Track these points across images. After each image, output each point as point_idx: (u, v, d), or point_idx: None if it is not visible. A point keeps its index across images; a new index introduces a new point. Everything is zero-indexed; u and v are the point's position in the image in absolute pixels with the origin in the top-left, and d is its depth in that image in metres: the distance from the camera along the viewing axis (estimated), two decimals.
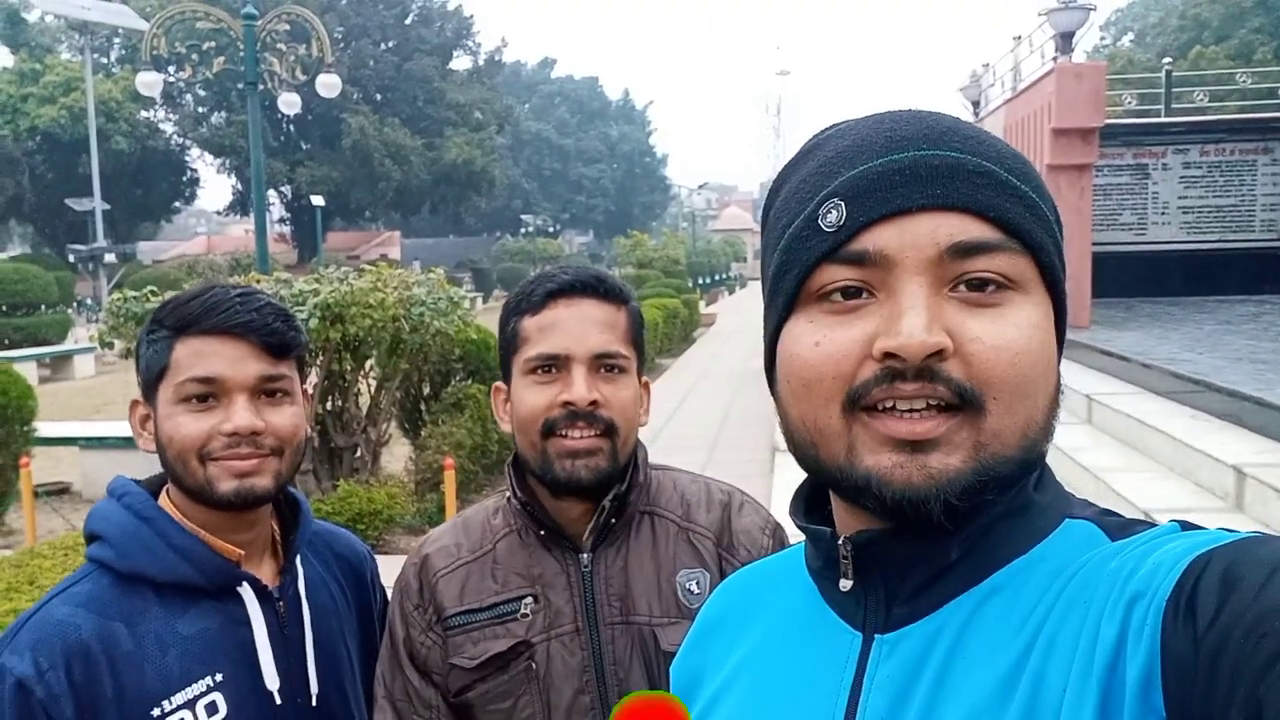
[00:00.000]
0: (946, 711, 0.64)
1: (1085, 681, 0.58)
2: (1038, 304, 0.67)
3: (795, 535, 1.41)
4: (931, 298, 0.64)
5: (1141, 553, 0.61)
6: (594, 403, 1.31)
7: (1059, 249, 0.70)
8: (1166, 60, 22.36)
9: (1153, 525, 0.66)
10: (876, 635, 0.69)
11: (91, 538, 1.31)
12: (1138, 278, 15.30)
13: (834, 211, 0.67)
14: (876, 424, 0.64)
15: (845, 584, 0.71)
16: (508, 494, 1.42)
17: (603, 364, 1.33)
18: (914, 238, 0.65)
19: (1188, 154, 15.62)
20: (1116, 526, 0.68)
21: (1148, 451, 6.73)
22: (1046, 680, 0.60)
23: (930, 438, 0.63)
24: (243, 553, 1.33)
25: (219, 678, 1.27)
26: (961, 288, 0.65)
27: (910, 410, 0.64)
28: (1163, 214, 15.74)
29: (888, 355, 0.63)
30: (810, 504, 0.78)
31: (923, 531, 0.66)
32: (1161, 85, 19.30)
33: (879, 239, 0.65)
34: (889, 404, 0.64)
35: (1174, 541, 0.61)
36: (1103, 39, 54.31)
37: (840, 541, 0.71)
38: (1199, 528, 0.63)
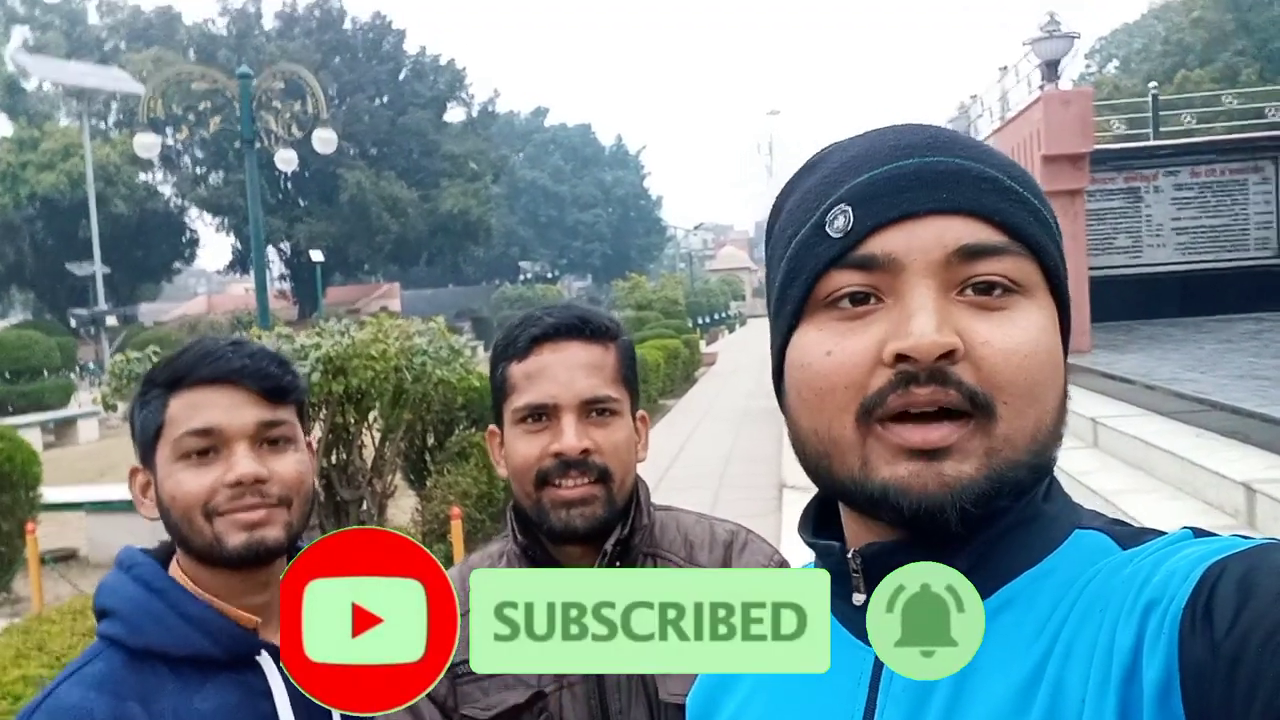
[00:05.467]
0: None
1: (1104, 689, 0.58)
2: (1043, 307, 0.67)
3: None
4: (940, 300, 0.65)
5: (1156, 560, 0.61)
6: (585, 451, 1.28)
7: (1061, 253, 0.71)
8: (1152, 84, 22.58)
9: (1163, 534, 0.66)
10: None
11: (102, 614, 1.25)
12: (1135, 300, 15.33)
13: (841, 217, 0.67)
14: (890, 435, 0.64)
15: (858, 598, 0.70)
16: (510, 538, 1.40)
17: (592, 409, 1.31)
18: (922, 241, 0.65)
19: (1178, 176, 15.72)
20: (1128, 535, 0.68)
21: (1155, 472, 6.71)
22: (1065, 689, 0.60)
23: (944, 445, 0.63)
24: (259, 619, 1.27)
25: None
26: (969, 291, 0.65)
27: (923, 416, 0.64)
28: (1157, 236, 15.81)
29: (899, 358, 0.63)
30: (819, 520, 0.78)
31: (933, 543, 0.66)
32: (1149, 109, 19.48)
33: (887, 243, 0.66)
34: (902, 410, 0.64)
35: (1188, 548, 0.61)
36: (1088, 67, 54.90)
37: (850, 555, 0.71)
38: (1212, 534, 0.63)
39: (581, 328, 1.34)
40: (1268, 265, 15.66)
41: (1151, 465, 6.80)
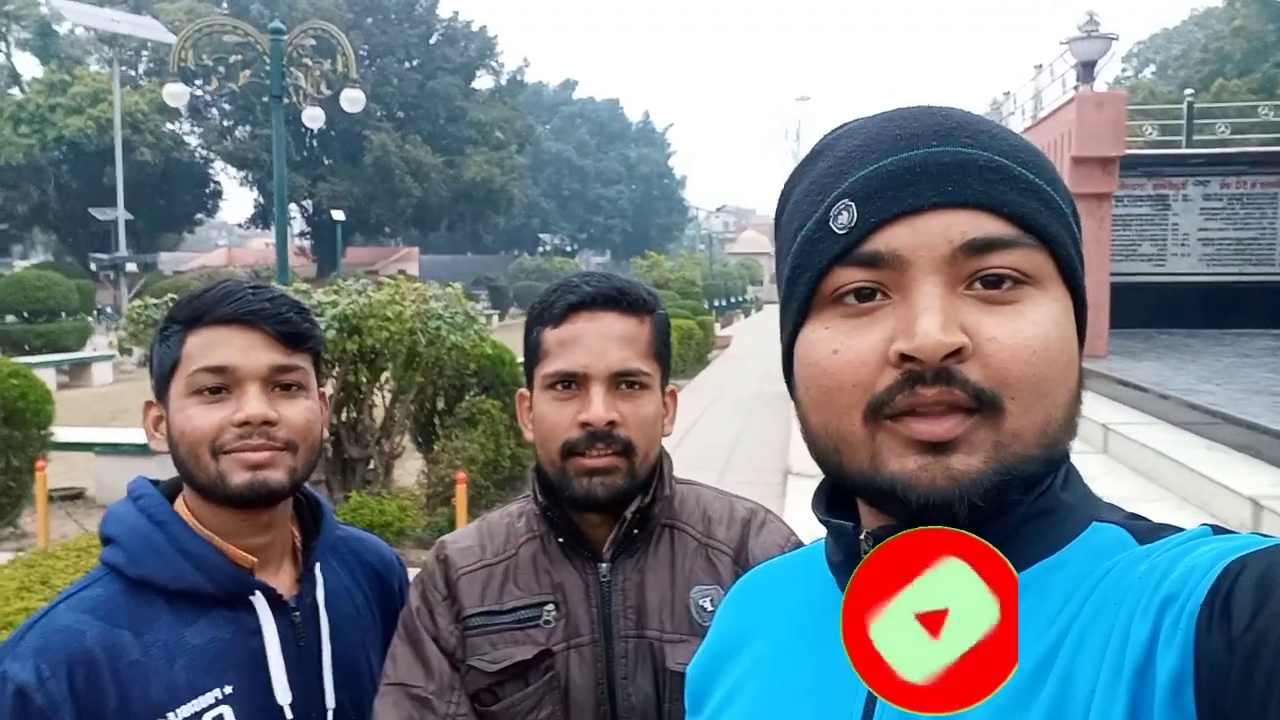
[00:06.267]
0: (970, 708, 0.63)
1: (1115, 682, 0.57)
2: (1056, 299, 0.66)
3: None
4: (947, 297, 0.63)
5: (1174, 555, 0.60)
6: (611, 422, 1.29)
7: (1076, 242, 0.69)
8: (1188, 92, 22.33)
9: (1181, 530, 0.65)
10: None
11: (106, 540, 1.28)
12: (1156, 309, 15.24)
13: (845, 213, 0.66)
14: (898, 428, 0.64)
15: None
16: (530, 499, 1.41)
17: (622, 381, 1.31)
18: (927, 236, 0.64)
19: (1208, 186, 15.57)
20: (1146, 530, 0.67)
21: (1163, 482, 6.69)
22: (1074, 680, 0.60)
23: (950, 438, 0.62)
24: (255, 560, 1.29)
25: (228, 690, 1.23)
26: (977, 285, 0.64)
27: (930, 411, 0.63)
28: (1182, 245, 15.69)
29: (905, 358, 0.63)
30: (832, 499, 0.78)
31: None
32: (1183, 117, 19.27)
33: (892, 239, 0.64)
34: (909, 409, 0.63)
35: (1207, 545, 0.60)
36: (1124, 70, 54.31)
37: (862, 536, 0.70)
38: (1231, 532, 0.62)
39: (619, 299, 1.34)
40: None
41: (1160, 475, 6.77)
